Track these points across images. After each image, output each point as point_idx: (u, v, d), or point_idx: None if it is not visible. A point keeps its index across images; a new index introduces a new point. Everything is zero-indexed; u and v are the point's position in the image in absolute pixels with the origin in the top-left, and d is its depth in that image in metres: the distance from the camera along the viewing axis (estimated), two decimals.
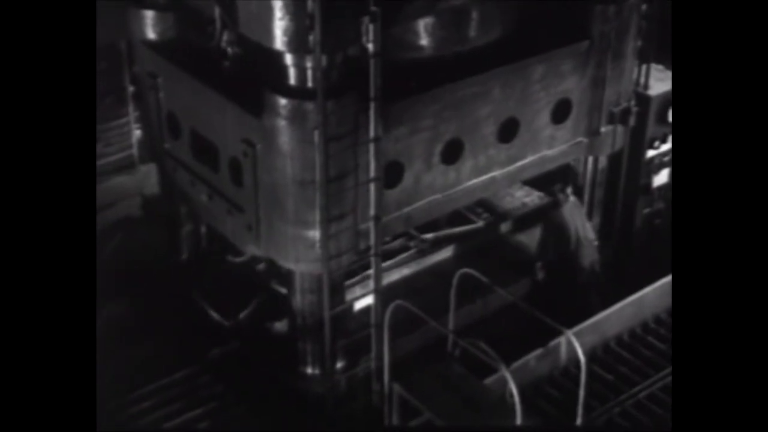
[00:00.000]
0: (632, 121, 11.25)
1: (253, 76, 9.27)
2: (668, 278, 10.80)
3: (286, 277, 10.09)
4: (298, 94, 8.81)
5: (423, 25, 9.69)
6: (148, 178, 11.99)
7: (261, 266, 10.87)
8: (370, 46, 8.70)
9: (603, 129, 11.06)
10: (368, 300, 9.91)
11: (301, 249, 9.32)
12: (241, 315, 10.74)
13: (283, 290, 10.50)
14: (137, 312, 10.91)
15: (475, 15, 9.95)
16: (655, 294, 11.01)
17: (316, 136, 8.74)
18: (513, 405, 8.49)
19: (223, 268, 11.15)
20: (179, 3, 10.32)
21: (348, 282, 10.24)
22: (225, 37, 9.67)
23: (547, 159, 10.86)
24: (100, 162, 12.22)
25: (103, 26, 11.10)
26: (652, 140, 11.82)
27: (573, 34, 10.58)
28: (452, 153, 9.98)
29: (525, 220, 12.20)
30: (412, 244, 11.34)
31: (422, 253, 11.38)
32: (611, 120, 11.06)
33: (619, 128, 11.18)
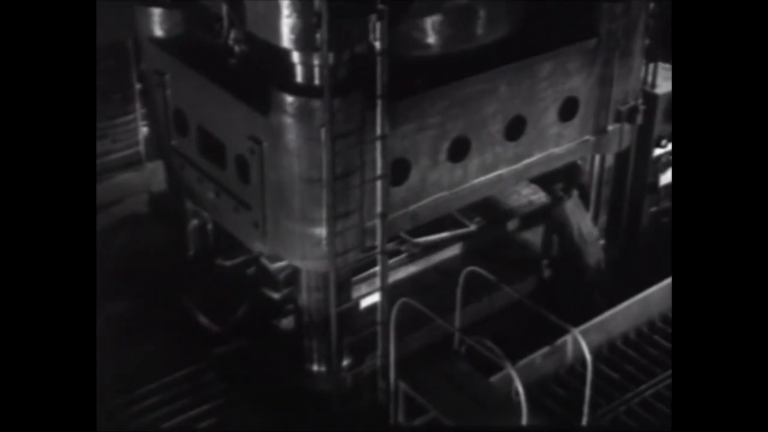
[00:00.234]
0: (639, 119, 11.23)
1: (260, 74, 9.27)
2: None
3: (293, 275, 10.10)
4: (305, 91, 8.81)
5: (430, 22, 9.68)
6: (155, 175, 12.01)
7: (251, 270, 10.92)
8: (377, 44, 8.69)
9: (610, 127, 11.04)
10: (374, 298, 9.91)
11: (308, 246, 9.32)
12: (231, 320, 10.72)
13: (275, 295, 10.55)
14: (142, 309, 10.91)
15: (482, 13, 9.93)
16: (661, 293, 11.00)
17: (323, 133, 8.74)
18: (519, 403, 8.49)
19: (213, 271, 11.16)
20: (186, 0, 10.33)
21: (354, 278, 10.23)
22: (232, 34, 9.68)
23: (554, 157, 10.85)
24: (107, 159, 12.25)
25: (111, 23, 11.17)
26: (660, 139, 11.80)
27: (580, 32, 10.56)
28: (459, 150, 9.97)
29: (531, 218, 12.19)
30: (403, 248, 11.22)
31: (413, 258, 11.31)
32: (618, 118, 11.04)
33: (626, 127, 11.16)
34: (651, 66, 11.50)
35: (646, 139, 11.67)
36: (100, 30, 10.96)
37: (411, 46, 9.64)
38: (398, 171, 9.56)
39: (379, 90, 8.85)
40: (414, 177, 9.74)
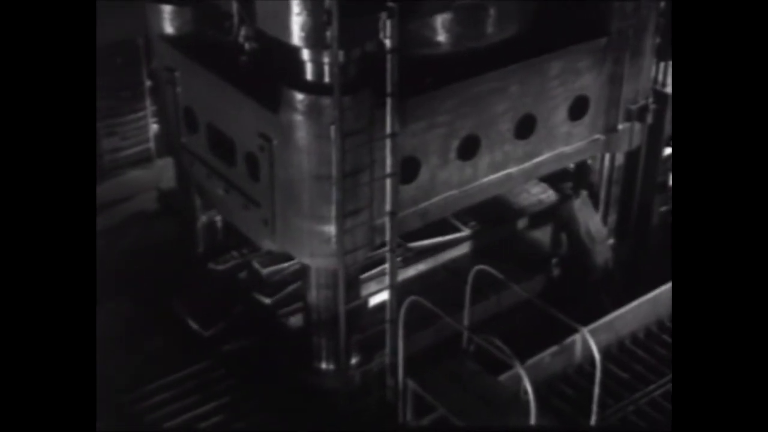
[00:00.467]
0: (650, 118, 11.21)
1: (270, 71, 9.27)
2: None
3: (303, 272, 10.11)
4: (315, 89, 8.82)
5: (440, 20, 9.67)
6: (164, 172, 12.04)
7: (243, 274, 10.93)
8: (387, 42, 8.69)
9: (620, 126, 11.02)
10: (383, 296, 9.91)
11: (317, 244, 9.33)
12: (220, 325, 10.71)
13: (266, 300, 10.55)
14: (152, 306, 10.93)
15: (492, 11, 9.92)
16: (670, 292, 10.97)
17: (333, 131, 8.75)
18: (527, 402, 8.48)
19: (205, 275, 11.17)
20: None
21: (363, 276, 10.24)
22: (242, 32, 9.68)
23: (564, 156, 10.84)
24: (116, 156, 12.29)
25: (122, 21, 11.20)
26: (670, 138, 11.77)
27: (591, 31, 10.54)
28: (469, 149, 9.96)
29: (540, 217, 12.17)
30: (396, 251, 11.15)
31: (407, 262, 11.27)
32: (629, 117, 11.02)
33: (637, 125, 11.14)
34: (662, 65, 11.47)
35: (656, 138, 11.63)
36: (111, 27, 11.04)
37: (421, 44, 9.63)
38: (408, 169, 9.56)
39: (389, 88, 8.85)
40: (423, 175, 9.74)
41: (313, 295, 9.89)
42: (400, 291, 9.77)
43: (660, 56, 11.34)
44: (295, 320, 10.54)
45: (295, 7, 8.41)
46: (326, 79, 8.78)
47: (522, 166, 10.48)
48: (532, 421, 8.48)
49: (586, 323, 9.47)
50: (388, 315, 9.80)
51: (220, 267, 11.18)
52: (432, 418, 9.25)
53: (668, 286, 10.98)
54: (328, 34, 8.42)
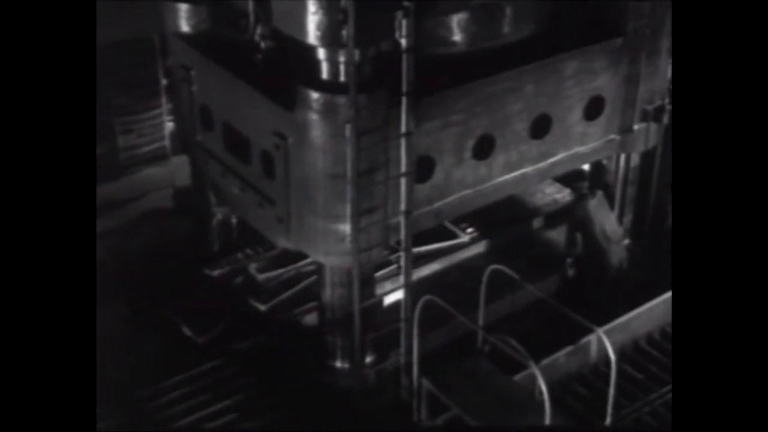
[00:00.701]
0: (666, 119, 11.17)
1: (285, 70, 9.28)
2: None
3: (318, 270, 10.12)
4: (331, 88, 8.82)
5: (456, 20, 9.66)
6: (180, 169, 12.06)
7: (238, 280, 10.93)
8: (403, 41, 8.69)
9: (636, 126, 10.99)
10: (398, 294, 9.91)
11: (331, 242, 9.33)
12: (214, 331, 10.70)
13: (261, 306, 10.54)
14: (168, 302, 10.96)
15: (508, 11, 9.91)
16: None
17: (348, 130, 8.75)
18: (542, 402, 8.47)
19: (199, 281, 11.17)
20: None
21: (378, 275, 10.23)
22: (258, 30, 9.70)
23: (579, 156, 10.81)
24: (132, 153, 12.32)
25: (138, 19, 11.23)
26: None
27: (607, 31, 10.51)
28: (484, 148, 9.95)
29: (555, 216, 12.15)
30: (393, 258, 10.95)
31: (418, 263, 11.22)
32: (644, 117, 10.99)
33: (653, 126, 11.10)
34: None
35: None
36: (127, 25, 11.07)
37: (437, 43, 9.63)
38: (423, 168, 9.55)
39: (404, 87, 8.85)
40: (438, 174, 9.73)
41: (328, 294, 9.89)
42: (414, 290, 9.76)
43: None
44: (310, 318, 10.55)
45: (311, 6, 8.41)
46: (342, 77, 8.79)
47: (537, 166, 10.46)
48: (547, 421, 8.47)
49: (600, 323, 9.44)
50: (402, 314, 9.79)
51: (215, 272, 11.18)
52: (446, 417, 9.24)
53: None
54: (344, 32, 8.42)
